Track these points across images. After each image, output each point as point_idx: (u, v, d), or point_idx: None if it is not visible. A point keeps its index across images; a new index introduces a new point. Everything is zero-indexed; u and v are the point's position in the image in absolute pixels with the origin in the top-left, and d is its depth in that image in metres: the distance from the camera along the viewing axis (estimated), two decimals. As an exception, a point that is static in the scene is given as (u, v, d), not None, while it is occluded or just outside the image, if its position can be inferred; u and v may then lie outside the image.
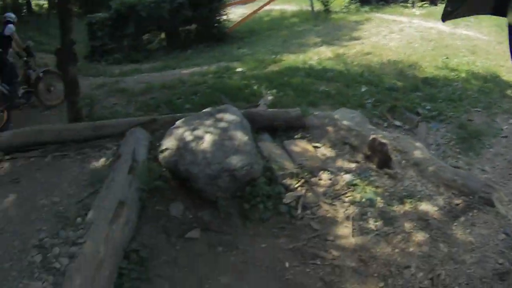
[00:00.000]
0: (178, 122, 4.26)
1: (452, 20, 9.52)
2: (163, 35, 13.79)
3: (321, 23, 13.44)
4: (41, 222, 3.32)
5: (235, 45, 12.29)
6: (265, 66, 8.62)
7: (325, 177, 4.14)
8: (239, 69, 8.47)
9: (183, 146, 3.82)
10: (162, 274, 3.12)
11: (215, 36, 13.19)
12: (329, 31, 12.05)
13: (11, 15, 7.03)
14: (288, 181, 3.98)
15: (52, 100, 7.32)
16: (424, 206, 3.68)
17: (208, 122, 4.11)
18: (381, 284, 3.04)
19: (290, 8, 16.70)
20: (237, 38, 13.33)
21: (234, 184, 3.71)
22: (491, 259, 3.05)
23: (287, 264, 3.27)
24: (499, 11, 1.35)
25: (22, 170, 4.07)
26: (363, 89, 7.13)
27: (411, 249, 3.27)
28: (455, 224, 3.47)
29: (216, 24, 13.46)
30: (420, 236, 3.38)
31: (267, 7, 15.70)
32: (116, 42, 12.81)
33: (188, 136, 3.92)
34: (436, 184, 3.94)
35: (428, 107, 6.53)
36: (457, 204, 3.68)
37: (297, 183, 4.00)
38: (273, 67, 8.51)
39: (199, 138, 3.87)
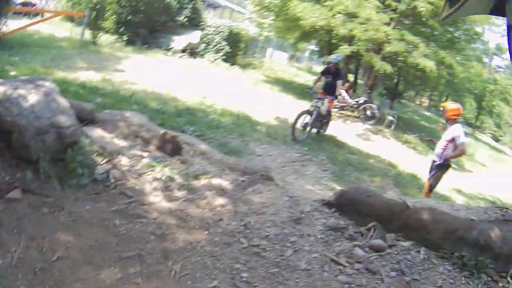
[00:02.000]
0: None
1: (209, 72, 11.31)
2: None
3: (88, 52, 13.61)
4: None
5: (5, 52, 11.22)
6: (37, 76, 8.09)
7: (124, 160, 4.56)
8: (12, 73, 8.01)
9: (7, 99, 3.66)
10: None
11: None
12: (96, 60, 12.30)
13: None
14: (95, 158, 4.22)
15: None
16: (217, 181, 4.44)
17: (30, 86, 4.01)
18: (205, 233, 3.59)
19: (59, 33, 16.48)
20: (8, 46, 12.19)
21: (59, 142, 3.76)
22: (285, 211, 4.00)
23: (117, 222, 3.52)
24: (499, 11, 1.31)
25: None
26: (134, 107, 7.60)
27: (218, 209, 3.94)
28: (245, 192, 4.25)
29: None
30: (221, 200, 4.07)
31: (36, 27, 15.19)
32: None
33: (12, 93, 3.76)
34: (222, 168, 4.70)
35: (192, 129, 7.37)
36: (243, 180, 4.51)
37: (102, 160, 4.27)
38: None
39: (23, 97, 3.78)
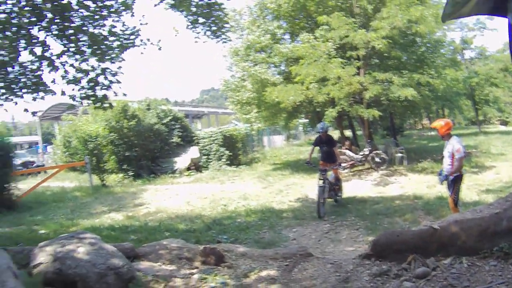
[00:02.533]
0: (42, 243, 4.66)
1: (221, 181, 12.01)
2: None
3: (101, 195, 14.38)
4: None
5: (27, 213, 12.03)
6: (66, 229, 8.68)
7: (178, 281, 4.89)
8: (41, 231, 8.54)
9: (63, 256, 4.24)
10: None
11: (6, 202, 12.66)
12: (112, 202, 13.03)
13: None
14: (153, 285, 4.64)
15: None
16: (264, 273, 4.90)
17: (74, 240, 4.61)
18: None
19: (68, 184, 17.46)
20: (26, 207, 13.02)
21: (120, 281, 4.23)
22: (332, 276, 4.50)
23: None
24: (499, 11, 1.32)
25: None
26: (166, 234, 7.99)
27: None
28: (292, 273, 4.69)
29: (5, 192, 12.90)
30: (274, 287, 4.33)
31: (45, 184, 16.02)
32: None
33: (62, 250, 4.35)
34: (264, 261, 5.14)
35: (225, 237, 7.78)
36: (287, 265, 4.93)
37: (160, 286, 4.67)
38: (75, 229, 8.69)
39: (73, 250, 4.35)
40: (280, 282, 4.56)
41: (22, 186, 14.64)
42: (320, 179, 9.39)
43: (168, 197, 12.92)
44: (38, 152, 33.73)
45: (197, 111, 35.94)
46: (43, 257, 4.33)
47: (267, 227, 8.44)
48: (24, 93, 7.71)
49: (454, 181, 6.90)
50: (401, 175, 14.25)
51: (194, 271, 5.11)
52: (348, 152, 16.35)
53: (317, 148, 10.26)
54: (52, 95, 7.80)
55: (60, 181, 18.24)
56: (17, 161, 17.95)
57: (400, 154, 16.33)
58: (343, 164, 15.15)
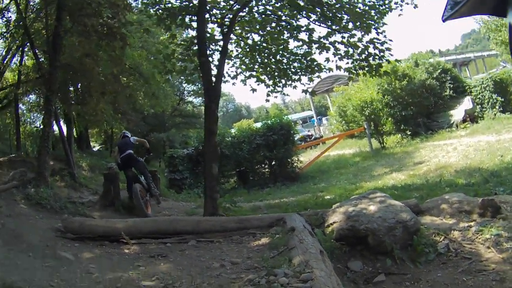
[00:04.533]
0: (335, 205, 5.68)
1: (496, 131, 11.15)
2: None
3: (381, 158, 15.34)
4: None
5: (310, 182, 13.59)
6: (350, 193, 9.72)
7: (457, 233, 5.43)
8: (327, 197, 9.68)
9: (355, 214, 5.11)
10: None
11: (289, 175, 14.55)
12: (393, 162, 13.82)
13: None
14: (433, 237, 5.30)
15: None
16: None
17: (365, 200, 5.49)
18: None
19: (348, 151, 18.71)
20: (309, 177, 14.68)
21: (406, 234, 4.94)
22: None
23: (464, 278, 4.44)
24: (499, 11, 1.29)
25: (165, 251, 5.02)
26: (446, 189, 8.36)
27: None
28: None
29: (289, 165, 14.86)
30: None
31: (325, 154, 17.66)
32: (194, 177, 13.99)
33: (354, 209, 5.24)
34: None
35: (502, 189, 7.69)
36: None
37: (440, 238, 5.32)
38: (359, 191, 9.72)
39: (365, 208, 5.21)
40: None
41: (304, 159, 16.25)
42: None
43: (446, 153, 13.02)
44: (314, 126, 35.55)
45: (463, 58, 32.69)
46: (336, 217, 5.19)
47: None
48: (301, 75, 8.92)
49: None
50: None
51: (472, 223, 5.53)
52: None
53: None
54: (329, 72, 8.79)
55: (339, 149, 19.34)
56: (297, 137, 19.39)
57: None
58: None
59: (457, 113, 18.47)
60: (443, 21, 1.39)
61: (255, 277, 3.50)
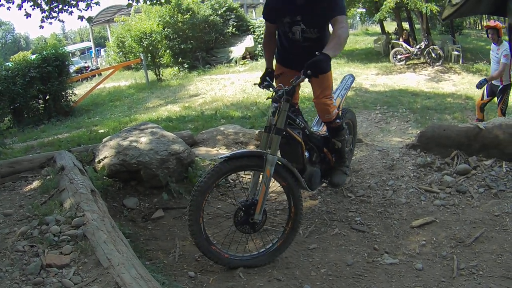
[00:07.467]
0: (105, 139, 5.01)
1: None
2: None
3: (157, 90, 14.93)
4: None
5: (84, 116, 12.68)
6: (124, 126, 9.04)
7: None
8: (101, 131, 8.89)
9: (125, 147, 4.55)
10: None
11: (63, 109, 13.49)
12: (168, 95, 13.54)
13: None
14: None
15: None
16: None
17: (136, 132, 4.96)
18: (319, 197, 4.38)
19: (124, 83, 17.98)
20: (84, 110, 13.79)
21: (180, 166, 4.61)
22: (378, 163, 4.83)
23: None
24: (499, 11, 1.32)
25: None
26: (222, 121, 8.40)
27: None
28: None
29: (63, 99, 13.81)
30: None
31: (100, 86, 16.73)
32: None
33: (124, 142, 4.67)
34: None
35: None
36: None
37: None
38: (132, 124, 8.96)
39: (136, 141, 4.69)
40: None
41: (79, 92, 15.28)
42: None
43: (223, 86, 13.24)
44: (91, 57, 34.11)
45: (252, 0, 34.64)
46: (107, 151, 4.60)
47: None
48: (78, 1, 7.97)
49: (503, 90, 6.72)
50: (455, 73, 13.92)
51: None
52: (404, 44, 15.87)
53: None
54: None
55: (115, 81, 18.61)
56: (72, 68, 18.38)
57: (456, 52, 15.72)
58: (398, 56, 14.88)
59: (237, 50, 19.22)
60: (443, 20, 1.53)
61: (28, 229, 3.01)
